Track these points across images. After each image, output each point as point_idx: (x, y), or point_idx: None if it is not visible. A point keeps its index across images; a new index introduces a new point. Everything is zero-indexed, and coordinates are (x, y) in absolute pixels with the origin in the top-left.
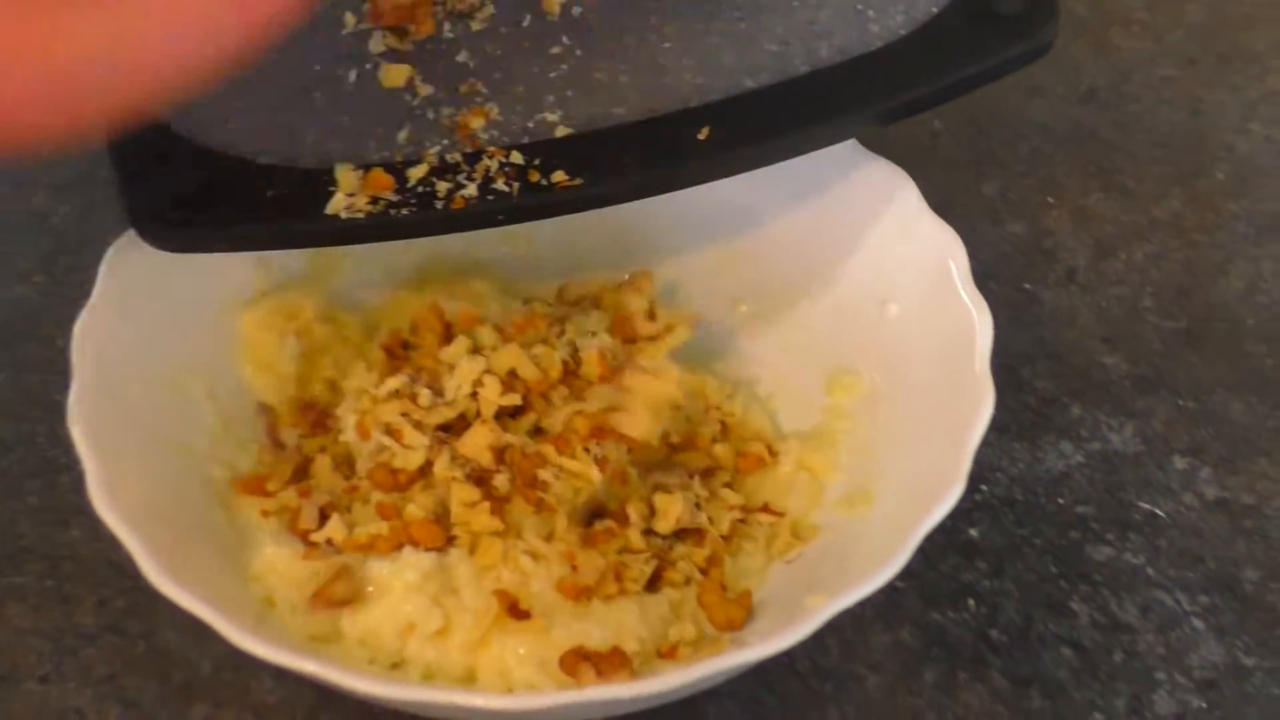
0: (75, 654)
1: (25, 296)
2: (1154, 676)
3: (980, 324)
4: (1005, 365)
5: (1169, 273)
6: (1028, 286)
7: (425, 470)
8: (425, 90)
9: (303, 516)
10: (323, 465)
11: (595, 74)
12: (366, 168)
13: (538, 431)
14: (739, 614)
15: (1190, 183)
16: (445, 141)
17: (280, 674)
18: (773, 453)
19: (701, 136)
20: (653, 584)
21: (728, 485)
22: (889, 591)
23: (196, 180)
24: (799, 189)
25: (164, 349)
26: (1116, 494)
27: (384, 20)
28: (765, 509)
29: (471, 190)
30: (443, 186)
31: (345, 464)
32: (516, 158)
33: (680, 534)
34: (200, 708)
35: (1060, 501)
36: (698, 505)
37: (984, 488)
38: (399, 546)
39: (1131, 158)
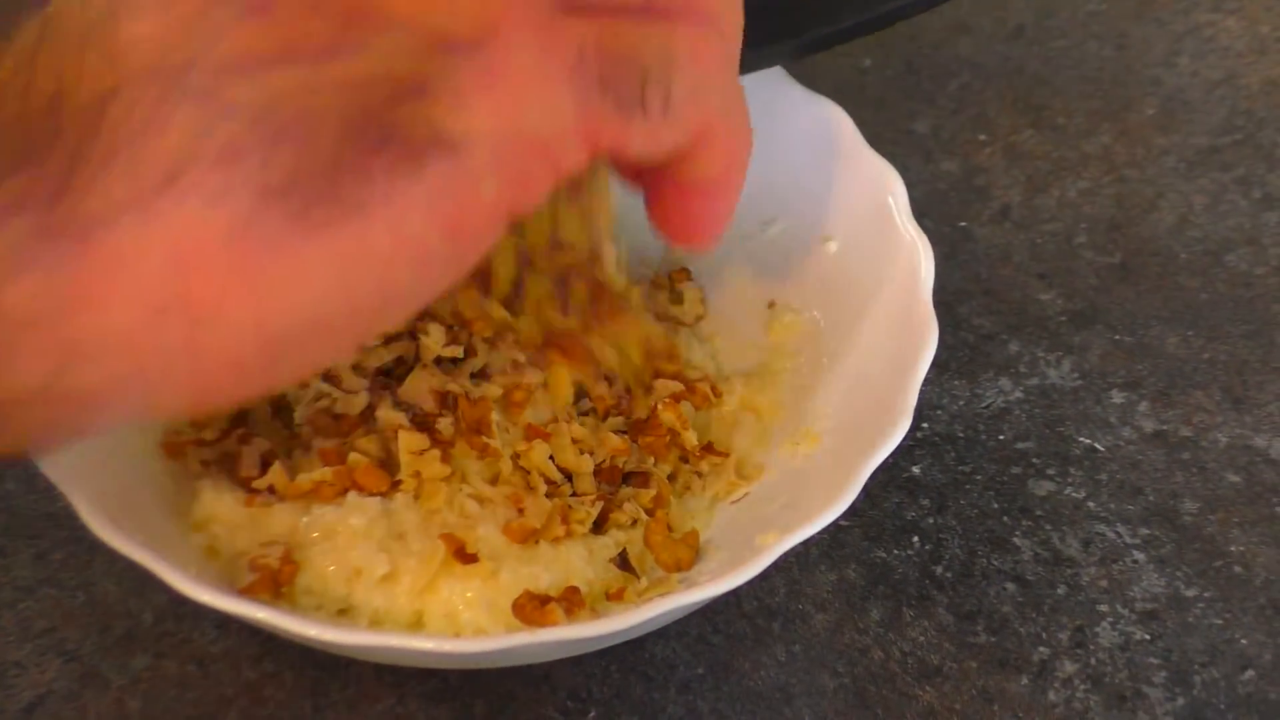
0: (13, 607)
1: None
2: (1097, 609)
3: (923, 259)
4: (942, 303)
5: (1101, 208)
6: (962, 224)
7: (366, 415)
8: None
9: (243, 464)
10: (261, 411)
11: None
12: None
13: (481, 375)
14: (687, 554)
15: (1120, 117)
16: None
17: (223, 624)
18: (716, 392)
19: None
20: (599, 526)
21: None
22: (834, 530)
23: None
24: None
25: None
26: (1056, 429)
27: None
28: (710, 449)
29: None
30: None
31: (284, 410)
32: None
33: (626, 476)
34: (142, 659)
35: (1000, 438)
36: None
37: (925, 425)
38: (343, 492)
39: (1060, 93)
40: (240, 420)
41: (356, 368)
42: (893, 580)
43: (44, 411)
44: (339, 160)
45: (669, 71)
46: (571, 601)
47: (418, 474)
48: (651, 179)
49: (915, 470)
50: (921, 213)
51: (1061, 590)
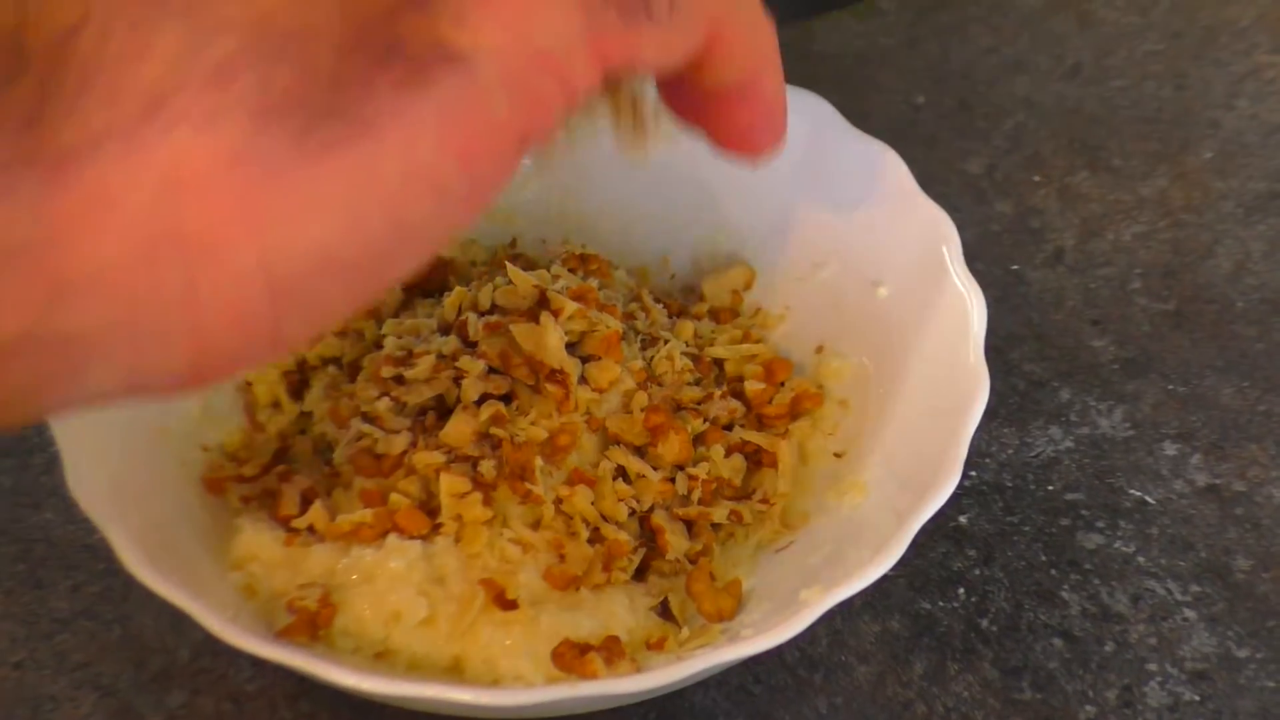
0: (49, 640)
1: None
2: (1145, 667)
3: (975, 308)
4: (993, 347)
5: (1157, 253)
6: (1015, 267)
7: (408, 455)
8: None
9: (284, 502)
10: (303, 448)
11: None
12: None
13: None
14: (729, 604)
15: (1177, 160)
16: None
17: (259, 661)
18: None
19: None
20: (640, 573)
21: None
22: (878, 580)
23: None
24: (788, 168)
25: None
26: (1106, 480)
27: None
28: (755, 496)
29: None
30: None
31: (326, 448)
32: None
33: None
34: (177, 695)
35: (1050, 488)
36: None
37: (973, 473)
38: (383, 534)
39: (1117, 134)
40: (281, 457)
41: (397, 404)
42: (937, 632)
43: (32, 363)
44: (341, 76)
45: None
46: (612, 651)
47: (459, 517)
48: (695, 103)
49: (962, 520)
50: (973, 255)
51: (1109, 647)
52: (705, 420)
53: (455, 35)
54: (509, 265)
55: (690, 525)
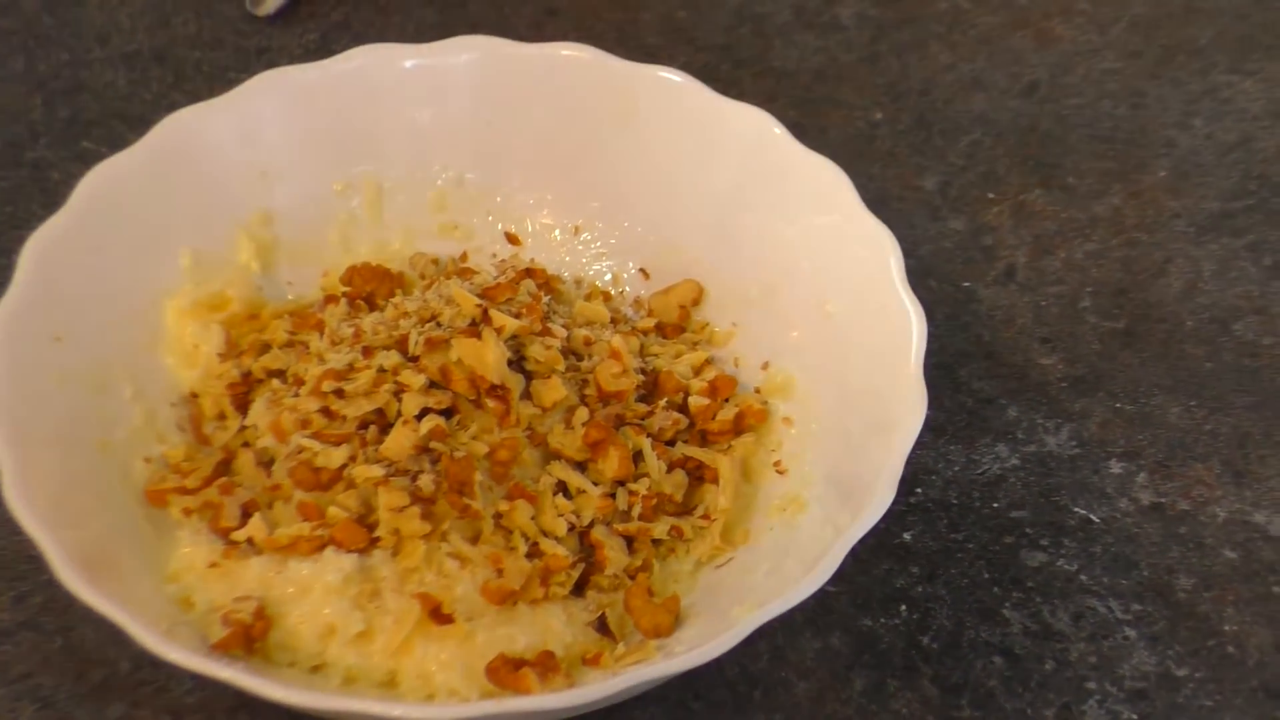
0: None
1: None
2: (1085, 686)
3: (915, 326)
4: (942, 365)
5: (1108, 271)
6: (966, 284)
7: (346, 467)
8: None
9: (224, 514)
10: (246, 461)
11: None
12: None
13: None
14: (667, 620)
15: (1131, 179)
16: None
17: (200, 675)
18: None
19: None
20: (579, 588)
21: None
22: (820, 597)
23: None
24: (737, 186)
25: (86, 341)
26: (1051, 498)
27: None
28: (697, 512)
29: None
30: None
31: (269, 461)
32: None
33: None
34: (117, 707)
35: (995, 505)
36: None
37: (919, 490)
38: (320, 547)
39: (1072, 152)
40: (224, 470)
41: (334, 416)
42: (878, 650)
43: None
44: None
45: None
46: (546, 666)
47: (396, 531)
48: None
49: (907, 537)
50: (926, 272)
51: (1050, 665)
52: (648, 435)
53: None
54: (452, 281)
55: (630, 541)
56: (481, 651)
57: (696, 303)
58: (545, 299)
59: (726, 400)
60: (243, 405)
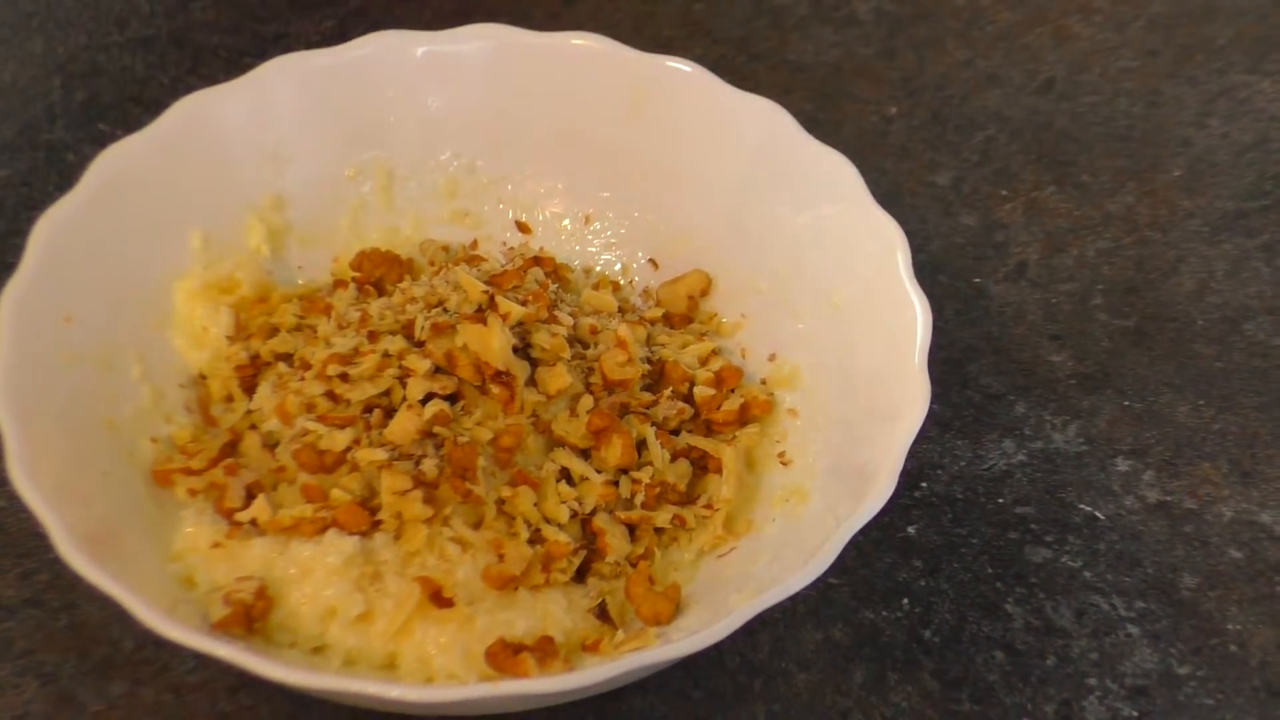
0: None
1: None
2: (1085, 682)
3: (920, 318)
4: (951, 360)
5: (1120, 269)
6: (977, 280)
7: (350, 450)
8: None
9: (228, 495)
10: (252, 443)
11: None
12: None
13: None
14: (667, 607)
15: (1146, 177)
16: None
17: (202, 654)
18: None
19: None
20: (581, 575)
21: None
22: (822, 589)
23: None
24: (746, 178)
25: (95, 321)
26: (1057, 494)
27: None
28: (700, 501)
29: None
30: None
31: (275, 443)
32: None
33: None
34: (119, 685)
35: (1000, 501)
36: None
37: (924, 485)
38: (323, 529)
39: (1087, 150)
40: (230, 451)
41: (339, 400)
42: (879, 642)
43: None
44: None
45: None
46: (545, 651)
47: (399, 514)
48: None
49: (910, 530)
50: (937, 267)
51: (1051, 661)
52: (652, 424)
53: None
54: (460, 267)
55: (632, 529)
56: (481, 636)
57: (705, 293)
58: (553, 287)
59: (732, 391)
60: (250, 388)
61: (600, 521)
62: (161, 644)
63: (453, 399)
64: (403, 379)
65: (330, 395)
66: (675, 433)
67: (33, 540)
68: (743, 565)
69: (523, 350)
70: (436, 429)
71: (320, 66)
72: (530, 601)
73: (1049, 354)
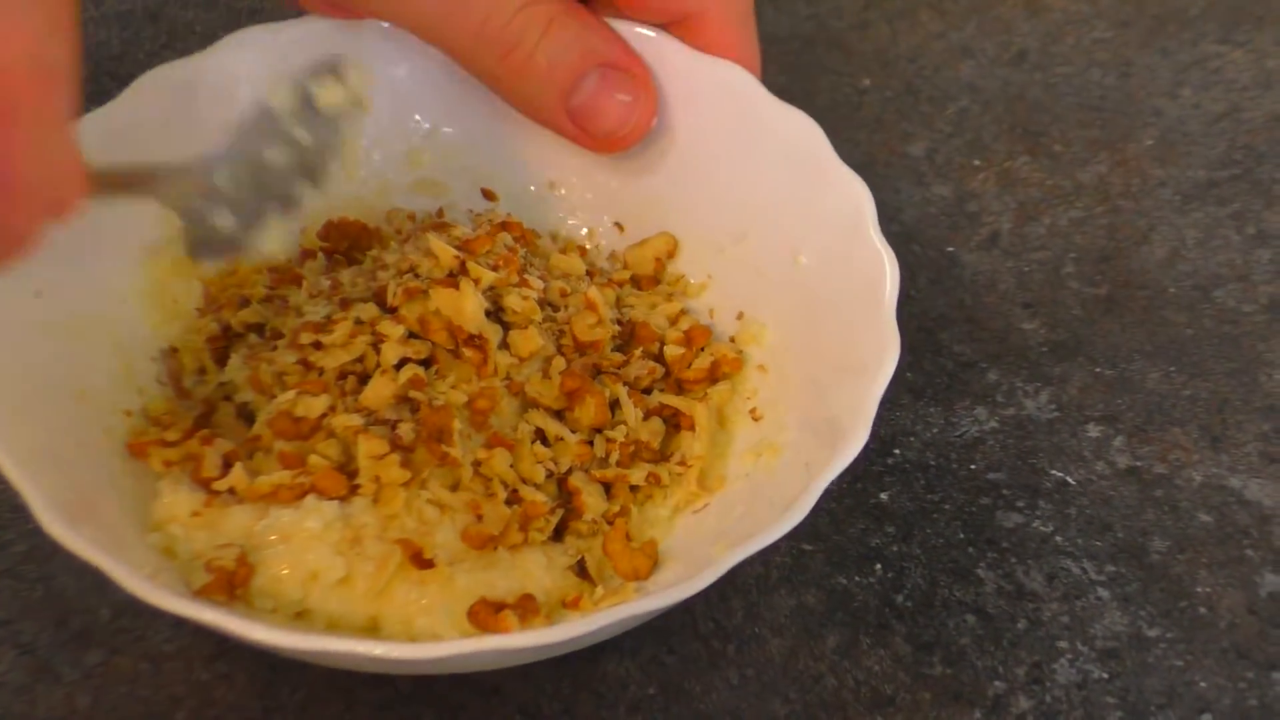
0: None
1: None
2: (1056, 645)
3: (889, 270)
4: (924, 329)
5: (1092, 238)
6: (950, 249)
7: (326, 416)
8: None
9: (205, 464)
10: (226, 413)
11: None
12: None
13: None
14: (644, 563)
15: (1118, 147)
16: None
17: (179, 623)
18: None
19: None
20: (559, 534)
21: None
22: (796, 554)
23: None
24: (710, 139)
25: (66, 295)
26: (1028, 460)
27: None
28: (673, 459)
29: None
30: None
31: (250, 413)
32: None
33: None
34: (96, 654)
35: (972, 467)
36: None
37: (896, 451)
38: (301, 495)
39: (1059, 120)
40: (204, 422)
41: (312, 368)
42: (852, 607)
43: None
44: None
45: None
46: (526, 609)
47: (377, 478)
48: None
49: (883, 497)
50: (910, 237)
51: (1022, 625)
52: (624, 383)
53: None
54: (430, 234)
55: (608, 487)
56: (462, 596)
57: (671, 255)
58: (522, 252)
59: (701, 349)
60: (222, 359)
61: (576, 480)
62: (139, 613)
63: (426, 363)
64: (376, 345)
65: (304, 363)
66: (647, 392)
67: (8, 512)
68: (718, 520)
69: (494, 314)
70: (411, 393)
71: (284, 39)
72: (510, 561)
73: (1021, 322)
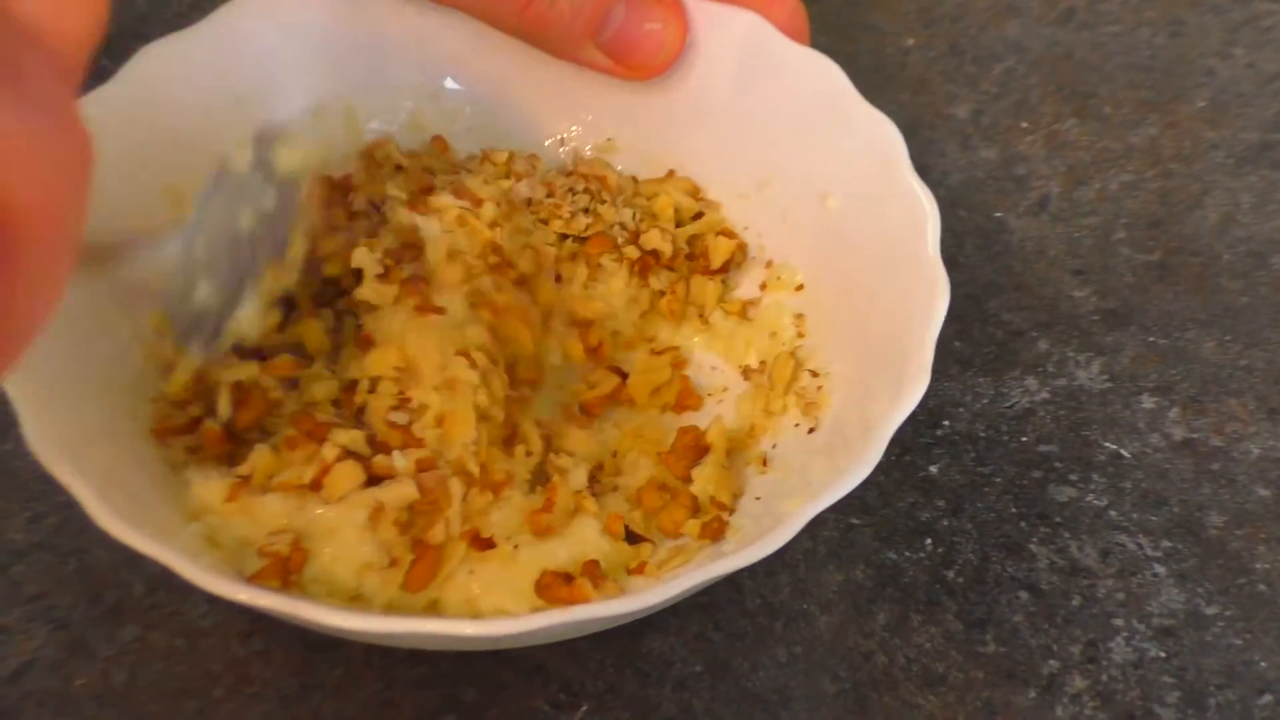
0: (4, 571)
1: None
2: (1112, 623)
3: (929, 210)
4: (971, 296)
5: (1143, 203)
6: (998, 214)
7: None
8: None
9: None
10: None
11: None
12: None
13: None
14: (681, 514)
15: (1168, 109)
16: None
17: (213, 598)
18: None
19: None
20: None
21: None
22: (843, 528)
23: None
24: (727, 84)
25: (80, 284)
26: (1081, 432)
27: None
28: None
29: None
30: None
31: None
32: None
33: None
34: (130, 630)
35: (1023, 439)
36: None
37: (946, 423)
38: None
39: (1108, 81)
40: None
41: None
42: (902, 583)
43: None
44: None
45: None
46: (595, 575)
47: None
48: None
49: (932, 469)
50: (956, 202)
51: (1076, 601)
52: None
53: None
54: (400, 209)
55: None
56: (525, 570)
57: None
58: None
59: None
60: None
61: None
62: (173, 588)
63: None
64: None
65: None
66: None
67: (40, 484)
68: (778, 477)
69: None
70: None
71: (286, 5)
72: (564, 529)
73: (1071, 289)
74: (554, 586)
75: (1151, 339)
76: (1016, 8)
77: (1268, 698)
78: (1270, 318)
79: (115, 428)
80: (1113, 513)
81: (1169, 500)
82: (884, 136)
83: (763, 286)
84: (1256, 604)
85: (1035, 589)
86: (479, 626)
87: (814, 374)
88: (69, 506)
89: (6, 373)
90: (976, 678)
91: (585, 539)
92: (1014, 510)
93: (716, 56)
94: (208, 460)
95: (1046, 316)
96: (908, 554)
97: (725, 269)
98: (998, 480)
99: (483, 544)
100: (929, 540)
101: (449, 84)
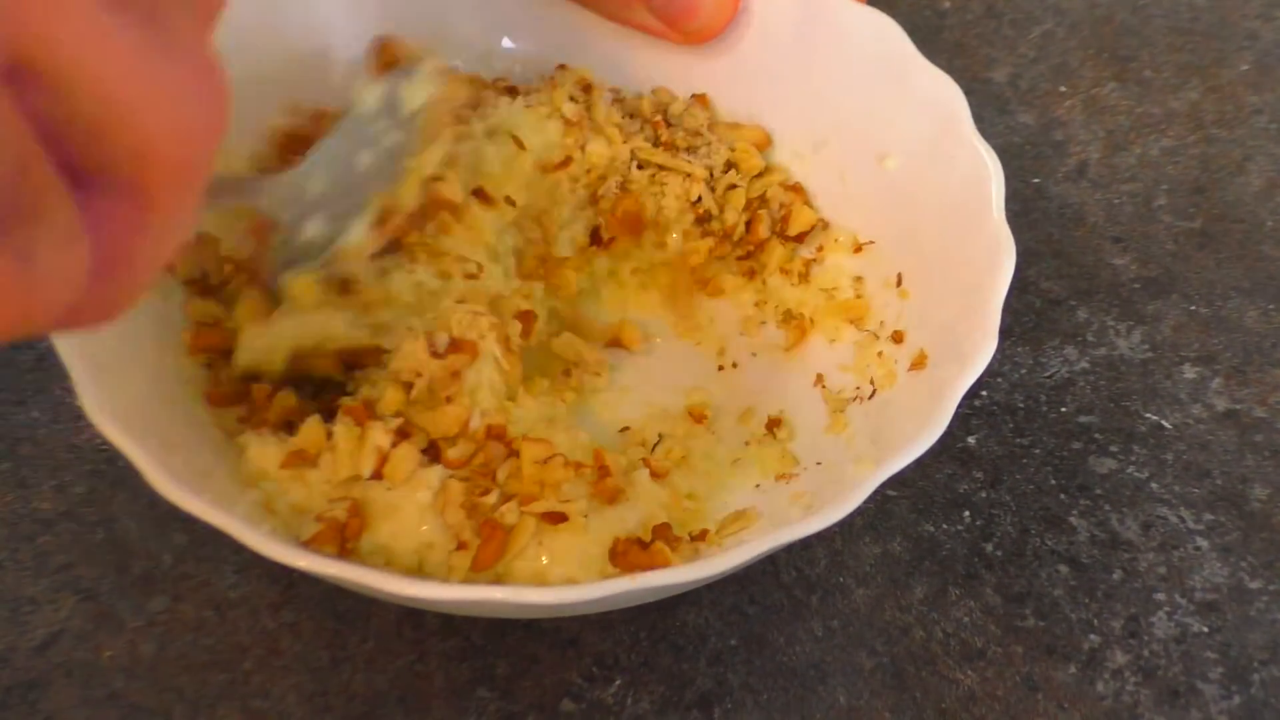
0: (32, 541)
1: None
2: (1153, 597)
3: (993, 172)
4: None
5: (1184, 169)
6: (1036, 180)
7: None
8: None
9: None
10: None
11: None
12: None
13: None
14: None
15: (1210, 73)
16: None
17: (243, 569)
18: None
19: None
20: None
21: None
22: (880, 500)
23: None
24: (783, 44)
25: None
26: (1121, 403)
27: None
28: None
29: None
30: None
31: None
32: None
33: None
34: (159, 600)
35: (1063, 410)
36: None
37: (984, 393)
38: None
39: (1149, 44)
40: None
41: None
42: (940, 556)
43: None
44: None
45: None
46: (668, 539)
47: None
48: None
49: (970, 441)
50: None
51: (1117, 575)
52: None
53: None
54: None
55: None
56: (596, 538)
57: (763, 148)
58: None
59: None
60: None
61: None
62: (202, 559)
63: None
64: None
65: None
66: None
67: (68, 453)
68: (845, 445)
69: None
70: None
71: None
72: (630, 495)
73: (1111, 257)
74: (630, 553)
75: (1193, 308)
76: None
77: None
78: None
79: (170, 392)
80: (1154, 485)
81: (1211, 472)
82: (945, 95)
83: (820, 248)
84: None
85: (1075, 562)
86: (556, 594)
87: (875, 337)
88: (96, 475)
89: (110, 321)
90: (1016, 652)
91: (651, 500)
92: (1053, 482)
93: (772, 17)
94: (263, 426)
95: (1086, 284)
96: (945, 526)
97: (800, 239)
98: (1037, 451)
99: (554, 518)
100: (967, 513)
101: (505, 43)
